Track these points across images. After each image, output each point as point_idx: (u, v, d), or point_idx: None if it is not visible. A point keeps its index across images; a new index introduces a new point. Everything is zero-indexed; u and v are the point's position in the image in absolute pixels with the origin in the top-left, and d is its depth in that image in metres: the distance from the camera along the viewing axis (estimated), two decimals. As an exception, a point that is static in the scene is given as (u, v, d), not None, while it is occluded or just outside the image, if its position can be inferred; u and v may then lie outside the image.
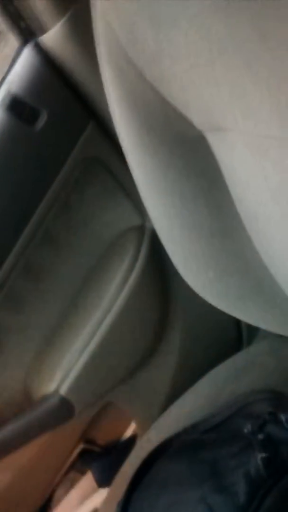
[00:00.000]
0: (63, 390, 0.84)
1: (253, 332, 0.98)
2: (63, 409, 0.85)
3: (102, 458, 1.08)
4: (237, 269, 0.60)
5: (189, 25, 0.38)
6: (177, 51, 0.41)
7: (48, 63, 0.69)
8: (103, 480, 1.05)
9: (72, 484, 1.10)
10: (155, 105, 0.48)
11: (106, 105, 0.54)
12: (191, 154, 0.51)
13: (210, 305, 0.65)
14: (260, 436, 0.60)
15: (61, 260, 0.85)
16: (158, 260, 0.85)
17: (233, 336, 0.99)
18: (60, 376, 0.85)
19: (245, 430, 0.61)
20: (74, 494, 1.09)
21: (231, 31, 0.36)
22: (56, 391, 0.85)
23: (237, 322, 0.98)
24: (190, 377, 0.78)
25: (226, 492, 0.54)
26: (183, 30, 0.39)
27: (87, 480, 1.09)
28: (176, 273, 0.64)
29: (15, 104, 0.70)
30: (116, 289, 0.84)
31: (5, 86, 0.71)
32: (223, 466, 0.57)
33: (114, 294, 0.84)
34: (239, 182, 0.50)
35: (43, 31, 0.67)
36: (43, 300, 0.86)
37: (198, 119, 0.47)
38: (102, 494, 1.06)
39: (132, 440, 1.06)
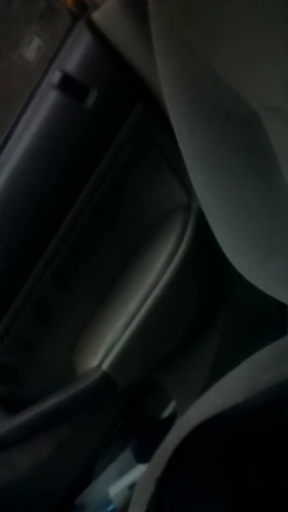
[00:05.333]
0: (105, 366, 0.85)
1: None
2: (105, 385, 0.86)
3: (142, 435, 1.09)
4: (286, 252, 0.59)
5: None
6: (230, 25, 0.40)
7: (99, 40, 0.69)
8: (142, 456, 1.06)
9: (111, 459, 1.12)
10: (207, 82, 0.47)
11: (158, 84, 0.53)
12: (243, 132, 0.50)
13: (255, 288, 0.64)
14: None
15: (108, 237, 0.85)
16: (205, 240, 0.84)
17: (278, 321, 0.97)
18: (103, 352, 0.86)
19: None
20: (113, 468, 1.11)
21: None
22: (99, 366, 0.86)
23: (283, 307, 0.96)
24: (232, 360, 0.77)
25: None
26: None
27: (126, 455, 1.10)
28: (223, 254, 0.64)
29: (66, 82, 0.70)
30: (162, 267, 0.84)
31: (55, 63, 0.71)
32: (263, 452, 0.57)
33: (159, 272, 0.84)
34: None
35: (96, 6, 0.67)
36: (89, 276, 0.87)
37: (250, 97, 0.46)
38: (140, 470, 1.07)
39: (172, 418, 1.06)
